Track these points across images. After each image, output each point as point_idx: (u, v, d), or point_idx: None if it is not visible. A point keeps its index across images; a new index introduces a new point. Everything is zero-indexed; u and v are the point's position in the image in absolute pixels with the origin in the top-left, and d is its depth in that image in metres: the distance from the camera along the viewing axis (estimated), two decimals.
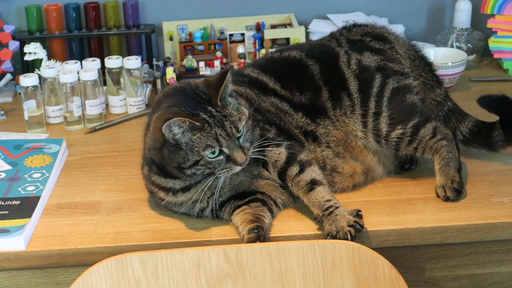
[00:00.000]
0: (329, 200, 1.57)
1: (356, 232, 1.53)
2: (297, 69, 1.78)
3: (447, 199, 1.67)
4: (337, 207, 1.56)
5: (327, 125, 1.74)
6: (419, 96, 1.80)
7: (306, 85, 1.75)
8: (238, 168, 1.55)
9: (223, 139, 1.52)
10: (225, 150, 1.53)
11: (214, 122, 1.52)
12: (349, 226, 1.53)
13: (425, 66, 1.88)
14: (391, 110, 1.72)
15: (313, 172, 1.62)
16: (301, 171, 1.61)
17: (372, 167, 1.75)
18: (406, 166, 1.81)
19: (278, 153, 1.63)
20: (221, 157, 1.53)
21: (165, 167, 1.57)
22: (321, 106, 1.74)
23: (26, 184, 1.76)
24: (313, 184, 1.59)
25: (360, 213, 1.56)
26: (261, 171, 1.66)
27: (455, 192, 1.66)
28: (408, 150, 1.72)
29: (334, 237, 1.52)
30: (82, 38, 2.41)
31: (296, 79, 1.76)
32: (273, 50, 2.16)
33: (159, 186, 1.64)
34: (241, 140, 1.55)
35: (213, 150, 1.51)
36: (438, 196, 1.68)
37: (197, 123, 1.50)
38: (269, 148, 1.63)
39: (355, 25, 1.90)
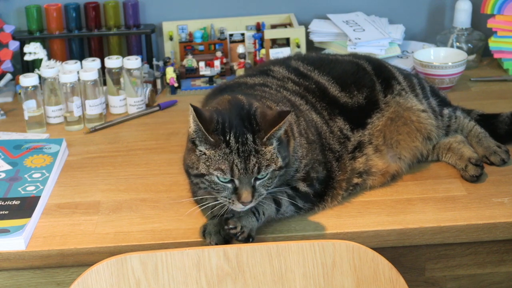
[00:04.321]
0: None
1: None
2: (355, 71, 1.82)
3: (503, 162, 1.80)
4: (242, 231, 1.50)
5: (374, 120, 1.76)
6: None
7: (362, 82, 1.80)
8: (239, 206, 1.48)
9: (238, 171, 1.46)
10: (236, 182, 1.47)
11: (239, 150, 1.45)
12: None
13: None
14: (434, 97, 1.88)
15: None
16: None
17: (406, 160, 1.77)
18: None
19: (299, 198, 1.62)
20: (230, 185, 1.48)
21: None
22: (374, 99, 1.78)
23: (26, 184, 1.76)
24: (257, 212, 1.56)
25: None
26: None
27: (507, 153, 1.82)
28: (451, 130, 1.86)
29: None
30: (82, 38, 2.41)
31: (354, 79, 1.80)
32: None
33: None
34: (257, 183, 1.48)
35: (224, 176, 1.46)
36: (492, 163, 1.80)
37: (211, 139, 1.46)
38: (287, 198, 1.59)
39: None
